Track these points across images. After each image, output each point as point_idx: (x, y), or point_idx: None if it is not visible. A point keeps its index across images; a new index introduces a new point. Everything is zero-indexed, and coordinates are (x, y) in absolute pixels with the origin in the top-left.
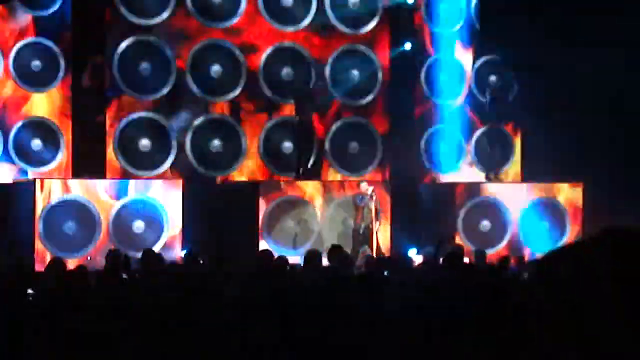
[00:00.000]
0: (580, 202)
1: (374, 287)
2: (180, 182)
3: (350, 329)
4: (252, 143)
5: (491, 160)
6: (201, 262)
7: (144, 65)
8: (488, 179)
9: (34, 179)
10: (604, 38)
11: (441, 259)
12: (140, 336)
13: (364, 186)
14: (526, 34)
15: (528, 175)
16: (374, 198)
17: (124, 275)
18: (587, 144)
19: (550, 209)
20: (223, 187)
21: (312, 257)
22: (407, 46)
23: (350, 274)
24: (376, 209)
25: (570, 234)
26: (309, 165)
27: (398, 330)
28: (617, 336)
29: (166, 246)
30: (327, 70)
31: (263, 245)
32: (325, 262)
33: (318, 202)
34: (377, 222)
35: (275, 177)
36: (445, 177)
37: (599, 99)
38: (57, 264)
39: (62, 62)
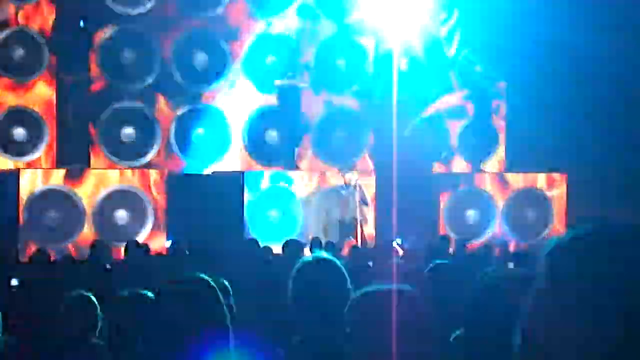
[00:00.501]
0: (564, 192)
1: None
2: (164, 171)
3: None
4: (235, 133)
5: (476, 150)
6: (187, 252)
7: (128, 54)
8: (474, 169)
9: (18, 169)
10: (590, 27)
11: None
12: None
13: (349, 176)
14: (510, 23)
15: (512, 165)
16: (359, 188)
17: (108, 266)
18: (572, 134)
19: (535, 199)
20: (208, 177)
21: (292, 247)
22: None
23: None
24: (361, 199)
25: (554, 224)
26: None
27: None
28: (612, 335)
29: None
30: (312, 59)
31: (246, 234)
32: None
33: (303, 192)
34: (362, 213)
35: (260, 167)
36: (430, 168)
37: (583, 89)
38: (40, 254)
39: (46, 52)
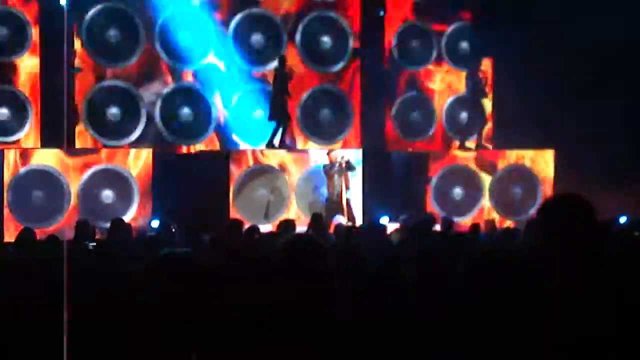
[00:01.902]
0: (551, 168)
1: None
2: (150, 151)
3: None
4: (222, 112)
5: (463, 127)
6: (173, 230)
7: (113, 33)
8: (461, 146)
9: (2, 149)
10: (579, 7)
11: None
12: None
13: (334, 154)
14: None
15: (500, 142)
16: (345, 166)
17: (90, 246)
18: (560, 111)
19: (522, 175)
20: (194, 156)
21: (286, 226)
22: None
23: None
24: (346, 177)
25: (542, 201)
26: (281, 136)
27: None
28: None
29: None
30: (298, 38)
31: (233, 213)
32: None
33: (289, 170)
34: (348, 191)
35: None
36: (417, 145)
37: (571, 65)
38: (27, 233)
39: (30, 31)
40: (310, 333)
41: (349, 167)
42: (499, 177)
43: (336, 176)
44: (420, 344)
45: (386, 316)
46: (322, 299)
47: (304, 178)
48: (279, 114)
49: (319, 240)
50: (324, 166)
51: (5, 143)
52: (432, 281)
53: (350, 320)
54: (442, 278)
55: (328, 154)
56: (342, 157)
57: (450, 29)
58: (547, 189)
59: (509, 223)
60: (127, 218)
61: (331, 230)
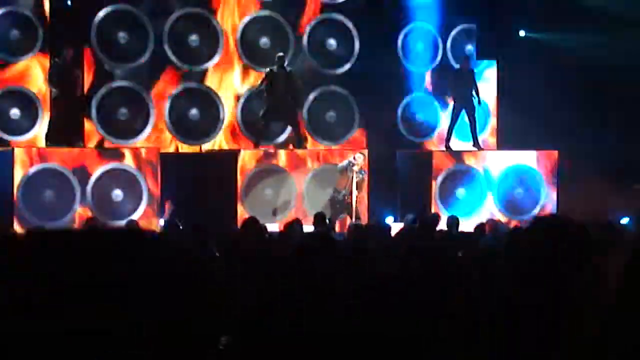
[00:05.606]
0: (555, 169)
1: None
2: (158, 150)
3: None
4: (230, 112)
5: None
6: (180, 227)
7: (122, 34)
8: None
9: (12, 148)
10: (583, 11)
11: (417, 227)
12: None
13: (359, 156)
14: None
15: (504, 142)
16: (357, 167)
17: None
18: (563, 112)
19: (526, 176)
20: (202, 156)
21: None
22: None
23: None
24: (357, 178)
25: (546, 202)
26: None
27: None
28: None
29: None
30: (304, 40)
31: (241, 213)
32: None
33: (296, 171)
34: (357, 191)
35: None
36: (423, 145)
37: (575, 68)
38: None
39: (40, 32)
40: (310, 333)
41: (357, 184)
42: (503, 178)
43: (350, 176)
44: (420, 343)
45: (386, 315)
46: (324, 298)
47: (313, 177)
48: (290, 114)
49: (330, 236)
50: (344, 163)
51: (16, 142)
52: (434, 279)
53: (350, 320)
54: (444, 276)
55: (354, 155)
56: (355, 157)
57: (455, 31)
58: (550, 190)
59: (513, 223)
60: (136, 216)
61: (337, 229)
